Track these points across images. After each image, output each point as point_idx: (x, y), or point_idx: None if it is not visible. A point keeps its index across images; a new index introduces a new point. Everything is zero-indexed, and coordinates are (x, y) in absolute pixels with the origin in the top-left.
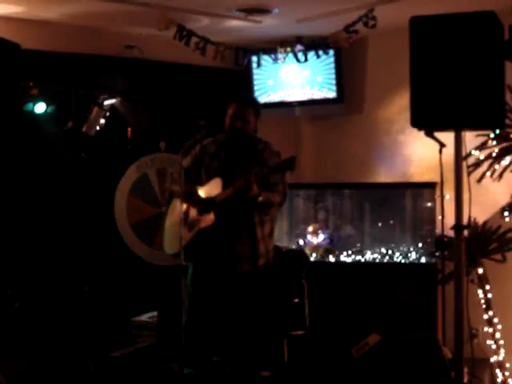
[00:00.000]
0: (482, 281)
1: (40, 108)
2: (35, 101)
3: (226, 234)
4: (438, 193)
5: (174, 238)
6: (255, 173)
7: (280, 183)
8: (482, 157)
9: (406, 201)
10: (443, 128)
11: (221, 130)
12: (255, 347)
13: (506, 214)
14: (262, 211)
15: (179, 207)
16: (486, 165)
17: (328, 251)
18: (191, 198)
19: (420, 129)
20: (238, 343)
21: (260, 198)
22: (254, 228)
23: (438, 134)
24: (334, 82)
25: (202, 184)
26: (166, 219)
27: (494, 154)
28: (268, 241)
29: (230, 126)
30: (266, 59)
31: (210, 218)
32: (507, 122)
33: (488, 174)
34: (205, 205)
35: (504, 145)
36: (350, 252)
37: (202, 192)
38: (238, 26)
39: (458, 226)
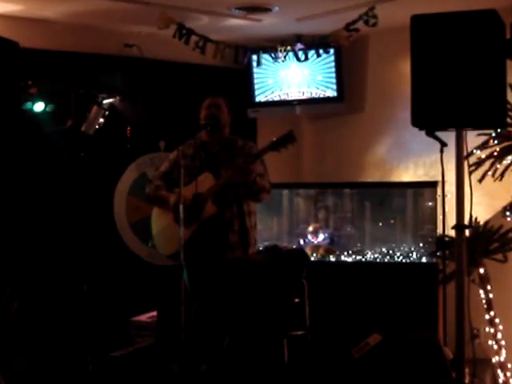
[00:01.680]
0: (483, 281)
1: (39, 107)
2: (34, 100)
3: (218, 223)
4: (439, 192)
5: (171, 238)
6: (254, 154)
7: (265, 174)
8: (483, 156)
9: (407, 200)
10: (444, 127)
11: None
12: (245, 338)
13: (508, 213)
14: (257, 196)
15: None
16: (487, 164)
17: (328, 251)
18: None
19: (421, 128)
20: (228, 333)
21: (258, 179)
22: (244, 217)
23: (439, 133)
24: (334, 80)
25: (186, 184)
26: (153, 221)
27: (495, 154)
28: (254, 232)
29: (206, 114)
30: (266, 58)
31: (211, 208)
32: (509, 121)
33: (489, 173)
34: (195, 206)
35: (505, 144)
36: (350, 252)
37: (192, 190)
38: (237, 24)
39: (459, 226)
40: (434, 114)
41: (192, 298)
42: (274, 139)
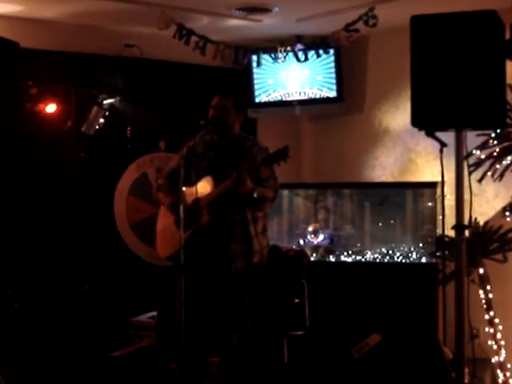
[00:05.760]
0: (482, 281)
1: (39, 107)
2: (34, 100)
3: (219, 232)
4: (438, 192)
5: (169, 240)
6: (247, 167)
7: (271, 178)
8: (482, 156)
9: (407, 200)
10: (444, 128)
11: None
12: (249, 345)
13: (508, 213)
14: (257, 207)
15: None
16: (487, 164)
17: (328, 251)
18: (177, 209)
19: (420, 129)
20: (232, 342)
21: (255, 194)
22: (247, 225)
23: (438, 134)
24: (334, 81)
25: (191, 185)
26: (157, 221)
27: (495, 154)
28: (262, 238)
29: (211, 116)
30: (266, 58)
31: (205, 217)
32: (508, 121)
33: (489, 173)
34: (191, 212)
35: (505, 144)
36: (350, 252)
37: (193, 192)
38: (237, 25)
39: (458, 226)
40: (433, 115)
41: (186, 303)
42: (271, 152)
